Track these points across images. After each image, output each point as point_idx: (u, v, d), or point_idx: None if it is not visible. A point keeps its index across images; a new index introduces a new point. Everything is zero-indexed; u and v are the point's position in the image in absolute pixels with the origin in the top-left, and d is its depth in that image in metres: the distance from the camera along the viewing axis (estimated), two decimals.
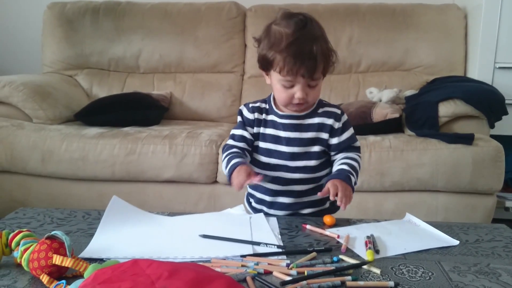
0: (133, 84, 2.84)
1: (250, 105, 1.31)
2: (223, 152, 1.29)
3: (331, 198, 1.12)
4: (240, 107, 1.33)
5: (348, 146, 1.28)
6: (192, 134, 2.23)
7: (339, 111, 1.28)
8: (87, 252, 0.98)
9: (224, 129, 2.44)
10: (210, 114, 2.77)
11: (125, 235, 1.08)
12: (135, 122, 2.44)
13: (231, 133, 1.32)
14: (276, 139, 1.27)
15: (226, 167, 1.22)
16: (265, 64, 1.21)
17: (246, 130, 1.29)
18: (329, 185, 1.14)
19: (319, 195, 1.15)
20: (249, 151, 1.30)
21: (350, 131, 1.29)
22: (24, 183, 2.28)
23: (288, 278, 0.85)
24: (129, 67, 2.90)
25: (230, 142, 1.30)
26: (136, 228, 1.12)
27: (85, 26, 2.88)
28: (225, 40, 2.82)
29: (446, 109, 2.12)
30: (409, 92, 2.47)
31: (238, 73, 2.85)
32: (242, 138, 1.29)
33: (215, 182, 2.18)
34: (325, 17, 2.74)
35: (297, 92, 1.18)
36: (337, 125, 1.26)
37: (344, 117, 1.28)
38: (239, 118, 1.33)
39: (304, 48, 1.13)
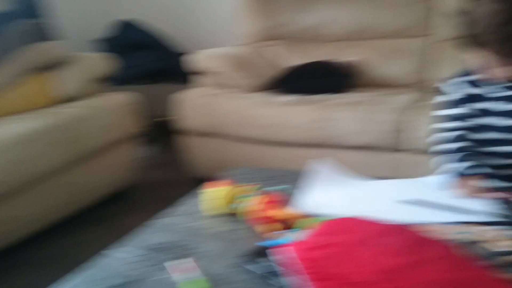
0: (320, 52, 2.88)
1: (454, 80, 1.24)
2: (446, 140, 1.23)
3: None
4: (439, 85, 1.28)
5: None
6: (378, 101, 2.23)
7: None
8: (300, 207, 1.08)
9: (411, 96, 2.38)
10: (397, 80, 2.70)
11: (336, 195, 1.17)
12: (324, 90, 2.51)
13: (442, 113, 1.26)
14: (491, 113, 1.20)
15: (459, 160, 1.17)
16: (472, 45, 1.11)
17: (459, 107, 1.23)
18: None
19: None
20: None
21: None
22: (225, 146, 2.53)
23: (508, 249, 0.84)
24: (320, 35, 2.94)
25: (451, 124, 1.23)
26: (345, 189, 1.20)
27: None
28: (409, 4, 2.72)
29: None
30: None
31: (426, 37, 2.72)
32: (460, 118, 1.23)
33: (400, 150, 2.15)
34: None
35: None
36: None
37: None
38: (445, 97, 1.26)
39: None
